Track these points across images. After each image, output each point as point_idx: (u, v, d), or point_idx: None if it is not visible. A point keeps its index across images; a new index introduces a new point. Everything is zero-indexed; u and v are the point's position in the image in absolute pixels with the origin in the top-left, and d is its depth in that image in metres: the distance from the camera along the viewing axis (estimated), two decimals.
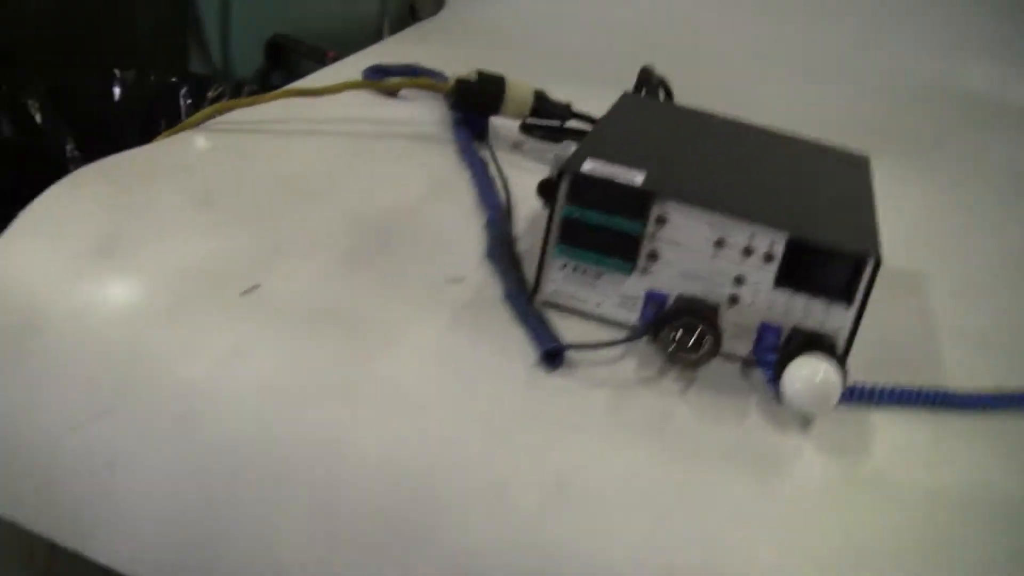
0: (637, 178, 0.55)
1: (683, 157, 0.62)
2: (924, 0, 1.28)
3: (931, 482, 0.50)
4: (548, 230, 0.56)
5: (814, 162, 0.66)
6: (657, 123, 0.68)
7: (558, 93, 0.82)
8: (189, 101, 1.09)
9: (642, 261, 0.55)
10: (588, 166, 0.55)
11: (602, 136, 0.62)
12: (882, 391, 0.55)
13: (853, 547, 0.47)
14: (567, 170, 0.54)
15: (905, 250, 0.78)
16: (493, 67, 0.81)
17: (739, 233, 0.53)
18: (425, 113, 0.85)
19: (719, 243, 0.54)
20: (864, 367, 0.54)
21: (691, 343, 0.53)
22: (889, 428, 0.53)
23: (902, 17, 1.26)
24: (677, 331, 0.52)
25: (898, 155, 1.04)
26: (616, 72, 0.87)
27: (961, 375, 0.59)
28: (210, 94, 1.09)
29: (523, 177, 0.74)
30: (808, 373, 0.50)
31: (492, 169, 0.75)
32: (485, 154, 0.77)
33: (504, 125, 0.83)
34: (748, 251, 0.54)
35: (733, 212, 0.53)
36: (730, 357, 0.56)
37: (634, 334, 0.54)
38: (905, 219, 0.84)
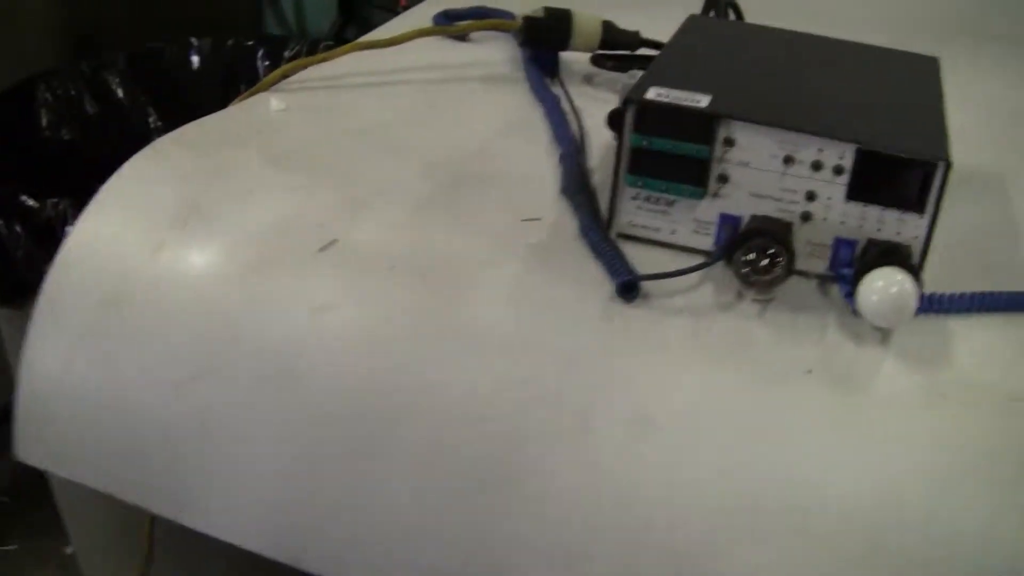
0: (702, 101, 0.55)
1: (749, 76, 0.61)
2: None
3: (1014, 385, 0.50)
4: (618, 161, 0.56)
5: (882, 69, 0.65)
6: (723, 44, 0.67)
7: (628, 22, 0.82)
8: (267, 63, 1.11)
9: (713, 184, 0.55)
10: (652, 93, 0.55)
11: (667, 62, 0.61)
12: (959, 297, 0.54)
13: (938, 458, 0.47)
14: (631, 99, 0.55)
15: (987, 148, 0.76)
16: (560, 1, 0.81)
17: (807, 148, 0.53)
18: (496, 53, 0.85)
19: (787, 160, 0.54)
20: (943, 273, 0.54)
21: (765, 264, 0.53)
22: (968, 334, 0.53)
23: None
24: (750, 253, 0.52)
25: (974, 48, 1.02)
26: None
27: None
28: (287, 54, 1.10)
29: (596, 109, 0.74)
30: (883, 285, 0.50)
31: (565, 104, 0.75)
32: (557, 90, 0.78)
33: (575, 59, 0.83)
34: (817, 165, 0.53)
35: (799, 127, 0.53)
36: (807, 275, 0.56)
37: (709, 260, 0.54)
38: (982, 116, 0.82)
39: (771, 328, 0.53)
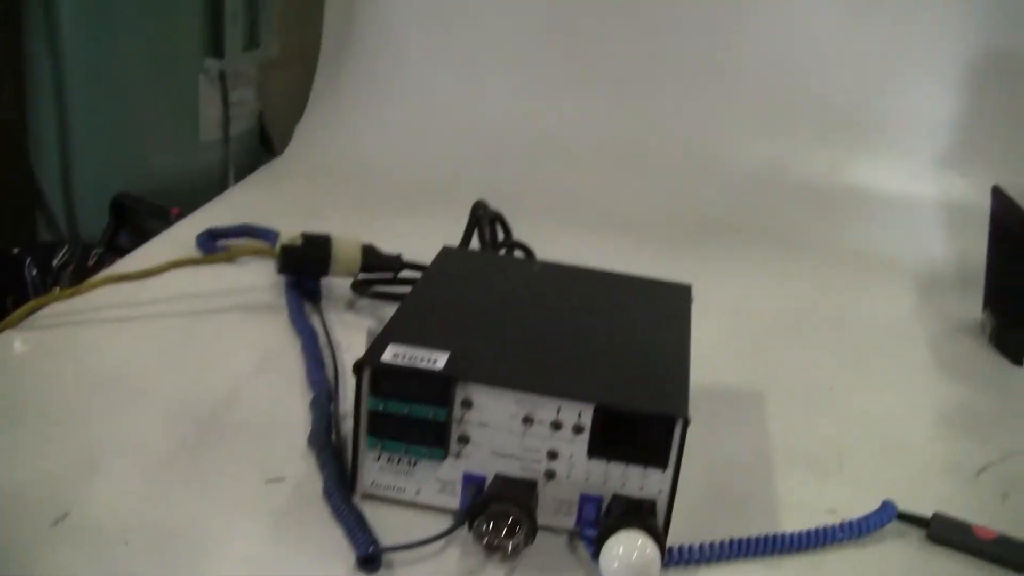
0: (439, 362, 0.54)
1: (491, 328, 0.60)
2: None
3: None
4: (356, 423, 0.54)
5: (631, 306, 0.66)
6: (469, 285, 0.67)
7: (404, 229, 0.81)
8: (35, 272, 1.06)
9: (454, 446, 0.54)
10: (388, 354, 0.54)
11: (407, 312, 0.61)
12: (708, 547, 0.54)
13: None
14: (365, 363, 0.53)
15: (746, 362, 0.78)
16: (339, 210, 0.80)
17: (545, 408, 0.53)
18: (258, 278, 0.83)
19: (527, 420, 0.53)
20: (696, 517, 0.54)
21: (506, 530, 0.51)
22: None
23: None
24: (488, 522, 0.51)
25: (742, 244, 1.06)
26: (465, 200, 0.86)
27: (796, 507, 0.59)
28: (55, 262, 1.06)
29: (356, 339, 0.72)
30: (624, 552, 0.49)
31: (323, 336, 0.73)
32: (317, 319, 0.76)
33: (341, 283, 0.82)
34: (557, 425, 0.53)
35: (536, 388, 0.53)
36: (556, 531, 0.55)
37: (450, 528, 0.52)
38: (742, 326, 0.85)
39: None
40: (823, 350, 0.85)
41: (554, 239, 0.85)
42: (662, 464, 0.52)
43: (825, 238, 1.13)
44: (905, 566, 0.57)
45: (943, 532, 0.58)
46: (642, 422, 0.52)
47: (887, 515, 0.59)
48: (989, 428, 0.74)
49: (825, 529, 0.57)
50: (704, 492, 0.60)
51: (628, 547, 0.49)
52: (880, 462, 0.68)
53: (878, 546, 0.58)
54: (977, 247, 0.93)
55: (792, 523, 0.58)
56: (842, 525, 0.57)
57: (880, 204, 1.18)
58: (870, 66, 1.21)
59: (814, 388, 0.77)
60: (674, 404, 0.53)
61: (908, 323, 0.94)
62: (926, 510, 0.59)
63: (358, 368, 0.53)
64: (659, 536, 0.50)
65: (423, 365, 0.53)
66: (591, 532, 0.52)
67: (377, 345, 0.55)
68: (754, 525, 0.57)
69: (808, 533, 0.56)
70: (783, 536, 0.56)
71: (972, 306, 0.94)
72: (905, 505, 0.59)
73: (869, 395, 0.77)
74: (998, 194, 0.89)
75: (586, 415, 0.52)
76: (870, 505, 0.59)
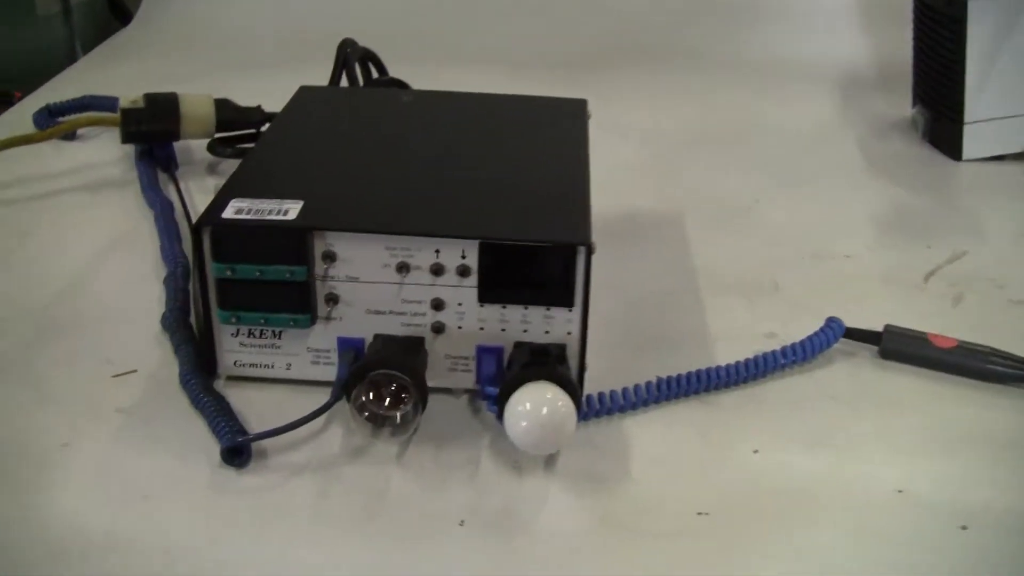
0: (291, 212, 0.45)
1: (354, 169, 0.51)
2: None
3: (700, 498, 0.42)
4: (204, 295, 0.46)
5: (518, 128, 0.57)
6: (331, 125, 0.58)
7: (271, 87, 0.70)
8: None
9: (322, 307, 0.46)
10: (231, 210, 0.45)
11: (256, 162, 0.51)
12: (630, 393, 0.47)
13: None
14: (203, 223, 0.44)
15: (656, 188, 0.70)
16: (199, 77, 0.70)
17: (422, 251, 0.44)
18: (104, 152, 0.73)
19: (402, 267, 0.44)
20: (617, 354, 0.48)
21: (391, 399, 0.43)
22: (642, 436, 0.46)
23: None
24: (367, 393, 0.43)
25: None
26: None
27: (730, 336, 0.53)
28: None
29: None
30: (531, 409, 0.41)
31: (180, 207, 0.64)
32: (173, 189, 0.66)
33: (196, 146, 0.72)
34: (438, 270, 0.44)
35: (408, 228, 0.44)
36: (454, 392, 0.47)
37: (325, 404, 0.44)
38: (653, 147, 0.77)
39: (412, 473, 0.43)
40: (743, 164, 0.77)
41: (436, 78, 0.75)
42: (567, 302, 0.45)
43: (734, 48, 1.05)
44: (858, 388, 0.50)
45: (897, 346, 0.52)
46: (538, 255, 0.44)
47: (834, 334, 0.52)
48: (933, 229, 0.67)
49: (765, 356, 0.50)
50: (623, 330, 0.53)
51: (536, 402, 0.41)
52: (818, 278, 0.61)
53: (826, 369, 0.52)
54: (897, 42, 0.85)
55: (728, 354, 0.51)
56: (784, 349, 0.50)
57: (789, 7, 1.10)
58: None
59: (737, 205, 0.70)
60: (574, 231, 0.44)
61: (832, 128, 0.86)
62: (874, 325, 0.52)
63: (196, 230, 0.44)
64: (572, 385, 0.42)
65: (272, 218, 0.44)
66: (492, 390, 0.44)
67: (218, 201, 0.46)
68: (684, 361, 0.50)
69: (747, 363, 0.49)
70: (717, 369, 0.49)
71: (900, 104, 0.87)
72: (851, 322, 0.52)
73: (797, 206, 0.70)
74: None
75: (471, 254, 0.44)
76: (813, 326, 0.52)
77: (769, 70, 0.99)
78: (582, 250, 0.43)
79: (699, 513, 0.41)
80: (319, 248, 0.44)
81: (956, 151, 0.77)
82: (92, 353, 0.51)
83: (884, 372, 0.51)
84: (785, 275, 0.60)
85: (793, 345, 0.51)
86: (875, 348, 0.52)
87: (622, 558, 0.39)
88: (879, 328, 0.52)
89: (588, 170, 0.51)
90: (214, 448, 0.43)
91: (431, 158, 0.52)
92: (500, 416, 0.43)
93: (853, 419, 0.47)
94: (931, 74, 0.80)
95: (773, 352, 0.50)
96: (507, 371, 0.45)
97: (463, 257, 0.44)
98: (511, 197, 0.48)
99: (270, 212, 0.45)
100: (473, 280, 0.44)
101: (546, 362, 0.44)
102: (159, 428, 0.45)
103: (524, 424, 0.41)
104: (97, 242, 0.61)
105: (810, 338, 0.51)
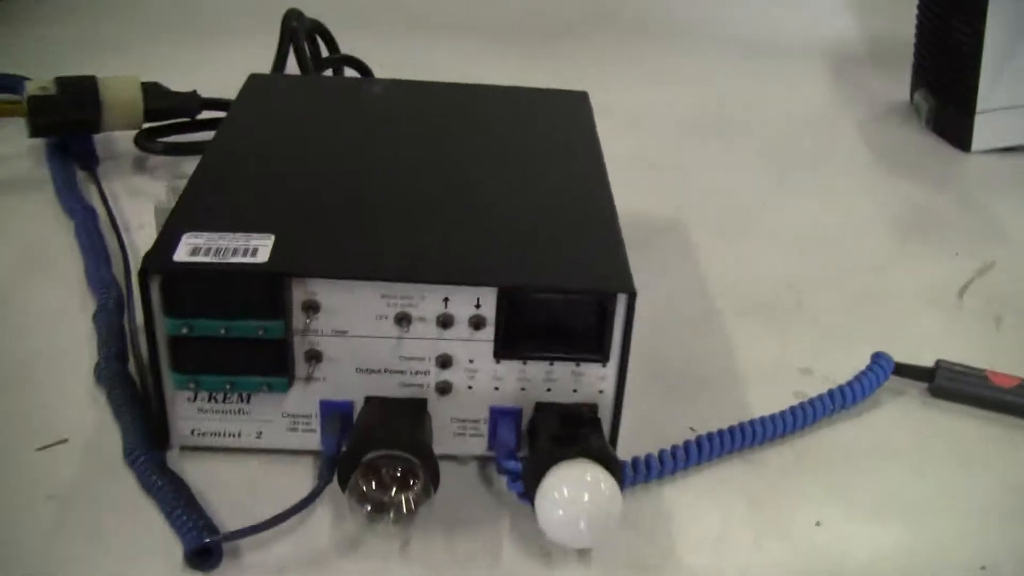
0: (260, 251, 0.36)
1: (330, 189, 0.42)
2: None
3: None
4: (153, 355, 0.37)
5: (520, 131, 0.49)
6: (293, 127, 0.48)
7: (201, 62, 0.61)
8: None
9: (301, 367, 0.37)
10: (184, 250, 0.36)
11: (211, 181, 0.42)
12: (667, 457, 0.40)
13: None
14: (150, 268, 0.35)
15: (654, 187, 0.63)
16: (114, 49, 0.60)
17: (426, 300, 0.36)
18: (8, 145, 0.63)
19: (402, 319, 0.36)
20: (640, 402, 0.40)
21: (397, 484, 0.35)
22: (686, 508, 0.39)
23: None
24: (370, 483, 0.35)
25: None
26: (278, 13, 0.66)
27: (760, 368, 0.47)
28: None
29: (150, 216, 0.54)
30: (569, 496, 0.34)
31: (104, 216, 0.55)
32: (94, 192, 0.57)
33: (121, 139, 0.62)
34: (446, 321, 0.36)
35: (409, 273, 0.36)
36: (461, 460, 0.39)
37: (310, 495, 0.36)
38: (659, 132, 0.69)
39: (422, 568, 0.36)
40: (742, 152, 0.71)
41: (399, 54, 0.66)
42: (602, 357, 0.37)
43: (721, 28, 0.97)
44: (914, 436, 0.44)
45: (952, 384, 0.45)
46: (570, 303, 0.36)
47: (884, 372, 0.45)
48: (956, 234, 0.62)
49: (813, 403, 0.43)
50: (642, 365, 0.45)
51: (575, 486, 0.34)
52: (842, 292, 0.54)
53: (874, 413, 0.45)
54: (886, 16, 0.79)
55: (763, 397, 0.44)
56: (831, 394, 0.44)
57: None
58: None
59: (743, 204, 0.63)
60: (611, 275, 0.37)
61: (828, 110, 0.80)
62: (911, 351, 0.46)
63: (142, 275, 0.35)
64: (610, 459, 0.35)
65: (238, 260, 0.36)
66: (511, 463, 0.37)
67: (166, 236, 0.37)
68: (715, 406, 0.44)
69: (793, 412, 0.43)
70: (763, 421, 0.42)
71: (894, 84, 0.81)
72: (887, 348, 0.46)
73: (808, 207, 0.64)
74: None
75: (487, 303, 0.36)
76: (848, 357, 0.46)
77: (757, 46, 0.92)
78: (622, 298, 0.36)
79: None
80: (299, 297, 0.36)
81: (965, 141, 0.71)
82: (7, 417, 0.42)
83: (939, 414, 0.45)
84: (807, 291, 0.54)
85: (841, 388, 0.44)
86: (923, 384, 0.46)
87: None
88: (923, 358, 0.46)
89: (610, 186, 0.43)
90: (175, 546, 0.35)
91: (426, 175, 0.43)
92: (524, 496, 0.36)
93: (917, 479, 0.41)
94: (939, 60, 0.73)
95: (820, 398, 0.43)
96: (529, 438, 0.38)
97: (477, 307, 0.36)
98: (530, 228, 0.40)
99: (235, 252, 0.36)
100: (489, 333, 0.37)
101: (580, 433, 0.36)
102: (103, 521, 0.37)
103: (561, 514, 0.34)
104: (2, 263, 0.52)
105: (859, 379, 0.44)
